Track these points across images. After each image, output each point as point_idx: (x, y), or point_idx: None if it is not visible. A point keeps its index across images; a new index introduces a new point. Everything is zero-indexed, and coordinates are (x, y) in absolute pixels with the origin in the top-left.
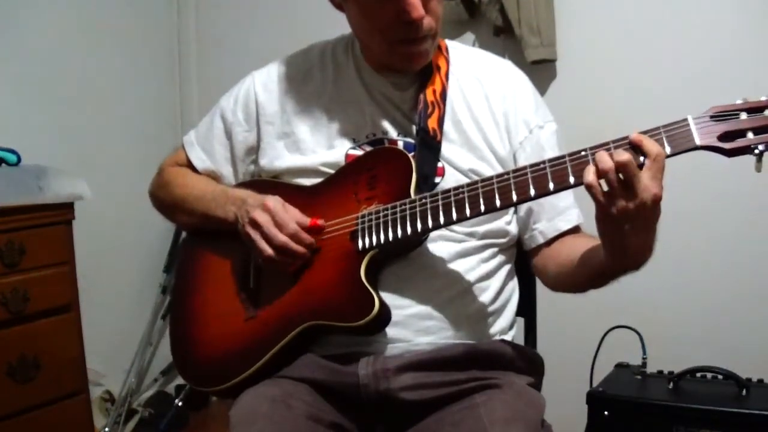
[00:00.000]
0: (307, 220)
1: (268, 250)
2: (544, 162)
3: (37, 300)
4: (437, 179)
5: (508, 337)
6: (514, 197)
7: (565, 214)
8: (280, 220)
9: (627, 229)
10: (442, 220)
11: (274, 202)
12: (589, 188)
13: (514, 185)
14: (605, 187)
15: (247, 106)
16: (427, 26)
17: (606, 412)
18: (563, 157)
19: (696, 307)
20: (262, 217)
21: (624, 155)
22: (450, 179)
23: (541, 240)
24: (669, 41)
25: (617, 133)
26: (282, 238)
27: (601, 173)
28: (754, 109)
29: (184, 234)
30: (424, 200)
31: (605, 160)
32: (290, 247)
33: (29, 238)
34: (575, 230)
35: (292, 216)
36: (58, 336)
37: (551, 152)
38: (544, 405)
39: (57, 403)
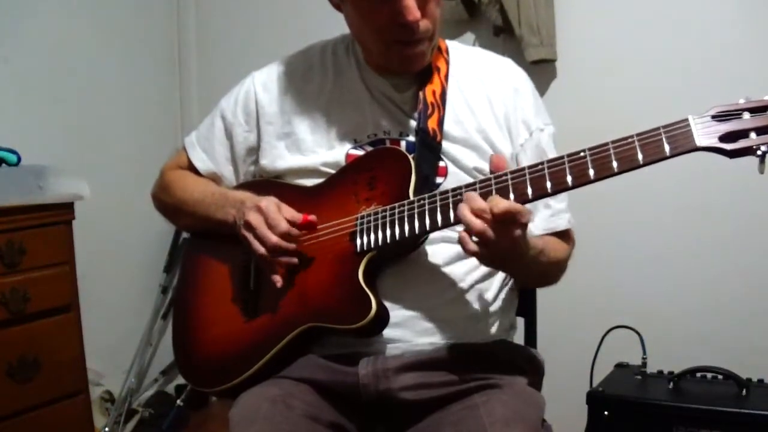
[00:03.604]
0: (299, 217)
1: (262, 251)
2: (542, 163)
3: (37, 300)
4: (439, 179)
5: (508, 337)
6: (511, 199)
7: (554, 219)
8: (271, 221)
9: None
10: (439, 221)
11: (267, 202)
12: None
13: (512, 187)
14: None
15: (247, 106)
16: (423, 28)
17: (606, 412)
18: (561, 158)
19: (696, 307)
20: (255, 219)
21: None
22: (453, 179)
23: None
24: (669, 40)
25: (617, 133)
26: (273, 239)
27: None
28: (757, 109)
29: (184, 234)
30: (422, 202)
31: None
32: (282, 247)
33: (29, 238)
34: (559, 234)
35: (285, 215)
36: (58, 336)
37: (551, 155)
38: (544, 405)
39: (57, 403)
